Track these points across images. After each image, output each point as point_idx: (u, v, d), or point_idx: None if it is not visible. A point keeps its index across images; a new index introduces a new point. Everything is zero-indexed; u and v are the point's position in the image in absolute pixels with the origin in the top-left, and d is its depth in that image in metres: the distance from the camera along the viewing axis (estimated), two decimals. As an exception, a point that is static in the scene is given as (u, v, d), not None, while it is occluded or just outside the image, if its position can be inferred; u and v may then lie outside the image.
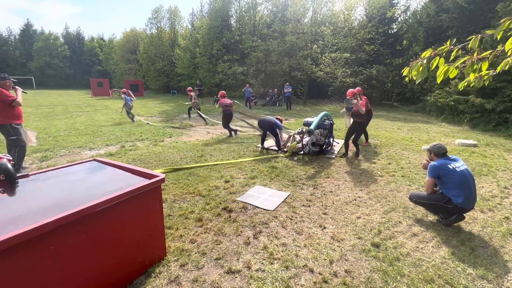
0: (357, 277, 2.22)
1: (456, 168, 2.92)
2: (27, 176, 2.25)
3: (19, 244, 1.37)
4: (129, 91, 22.09)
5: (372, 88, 18.53)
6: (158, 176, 2.24)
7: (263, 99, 20.01)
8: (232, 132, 8.17)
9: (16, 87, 4.54)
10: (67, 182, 2.24)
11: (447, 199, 2.96)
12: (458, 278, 2.24)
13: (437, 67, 1.67)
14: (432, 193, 3.11)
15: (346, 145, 5.96)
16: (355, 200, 3.72)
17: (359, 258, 2.47)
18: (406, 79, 1.89)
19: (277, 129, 6.21)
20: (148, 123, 10.33)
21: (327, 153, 6.07)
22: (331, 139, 6.36)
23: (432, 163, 3.06)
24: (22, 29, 47.89)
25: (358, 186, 4.24)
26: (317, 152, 5.94)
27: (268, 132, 6.49)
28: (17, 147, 4.34)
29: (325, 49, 20.54)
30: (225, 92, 8.61)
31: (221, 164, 5.18)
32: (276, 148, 6.30)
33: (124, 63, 39.33)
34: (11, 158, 2.37)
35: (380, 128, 9.98)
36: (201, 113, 11.08)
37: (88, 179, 2.33)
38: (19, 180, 2.17)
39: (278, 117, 6.70)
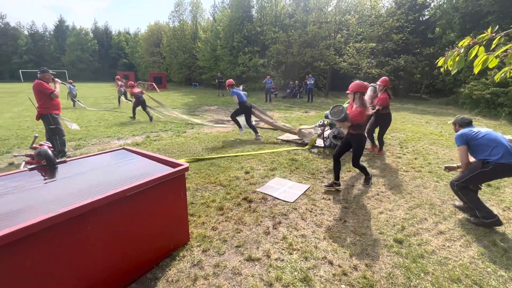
0: (378, 271, 2.19)
1: (481, 130, 2.94)
2: (64, 162, 2.44)
3: (62, 222, 1.51)
4: (153, 83, 22.85)
5: (399, 79, 17.67)
6: (182, 165, 2.33)
7: (284, 91, 19.79)
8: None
9: (56, 79, 4.86)
10: (99, 168, 2.39)
11: (484, 162, 2.80)
12: (488, 279, 2.14)
13: (475, 56, 1.55)
14: (468, 166, 2.99)
15: (371, 138, 5.72)
16: (377, 195, 3.63)
17: (380, 253, 2.43)
18: (441, 69, 1.78)
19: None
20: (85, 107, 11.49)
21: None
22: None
23: (457, 133, 3.08)
24: (56, 25, 50.74)
25: (381, 181, 4.12)
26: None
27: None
28: (56, 135, 4.68)
29: (349, 39, 19.76)
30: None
31: (242, 155, 5.25)
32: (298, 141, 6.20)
33: (149, 56, 40.50)
34: (51, 145, 2.58)
35: (407, 122, 9.53)
36: (127, 100, 11.65)
37: (118, 166, 2.47)
38: (58, 166, 2.36)
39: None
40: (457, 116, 3.27)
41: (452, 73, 1.69)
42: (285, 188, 3.78)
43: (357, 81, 3.56)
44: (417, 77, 17.90)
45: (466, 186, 3.03)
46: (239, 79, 24.59)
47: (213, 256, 2.37)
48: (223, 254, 2.40)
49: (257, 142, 6.30)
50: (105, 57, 50.63)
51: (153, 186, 2.00)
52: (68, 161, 2.48)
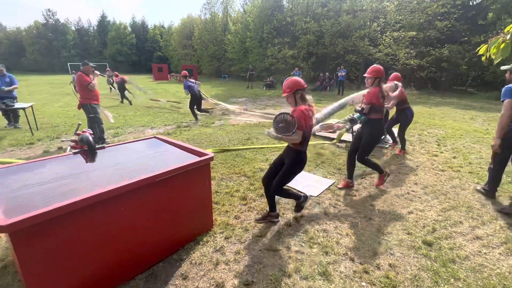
0: (403, 273, 2.11)
1: None
2: (103, 148, 2.66)
3: (101, 201, 1.67)
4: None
5: (441, 71, 16.26)
6: (208, 154, 2.42)
7: (313, 83, 19.28)
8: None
9: (95, 71, 5.26)
10: (132, 155, 2.58)
11: None
12: (530, 291, 1.95)
13: None
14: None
15: (392, 137, 5.28)
16: (407, 194, 3.44)
17: (406, 254, 2.33)
18: (483, 58, 1.60)
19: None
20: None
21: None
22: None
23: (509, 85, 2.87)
24: (98, 20, 54.24)
25: (413, 179, 3.89)
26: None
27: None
28: (95, 123, 5.11)
29: (386, 27, 18.48)
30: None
31: (267, 147, 5.27)
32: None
33: (181, 48, 41.72)
34: (92, 132, 2.83)
35: (447, 117, 8.79)
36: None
37: (149, 154, 2.64)
38: (98, 151, 2.58)
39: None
40: None
41: (495, 62, 1.52)
42: (309, 182, 3.75)
43: (376, 65, 3.25)
44: (463, 68, 16.24)
45: None
46: (268, 71, 24.42)
47: (235, 243, 2.46)
48: (244, 242, 2.48)
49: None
50: (141, 50, 53.19)
51: (179, 173, 2.11)
52: (107, 147, 2.70)
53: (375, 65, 3.30)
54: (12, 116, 6.81)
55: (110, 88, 15.78)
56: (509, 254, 2.34)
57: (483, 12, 16.13)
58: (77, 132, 2.77)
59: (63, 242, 1.59)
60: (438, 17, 16.01)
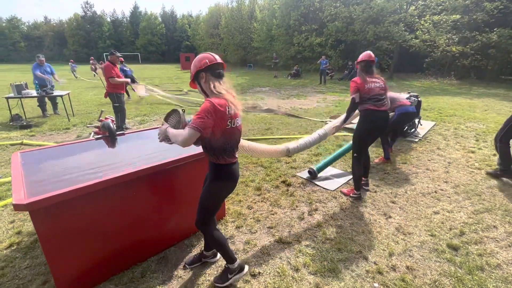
0: (421, 276, 1.96)
1: None
2: (123, 134, 2.77)
3: (116, 184, 1.74)
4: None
5: (488, 59, 14.62)
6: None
7: (342, 72, 18.44)
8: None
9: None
10: (151, 142, 2.65)
11: None
12: None
13: None
14: None
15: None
16: (435, 192, 3.18)
17: (427, 257, 2.16)
18: None
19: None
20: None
21: (408, 135, 5.27)
22: (417, 120, 5.44)
23: None
24: (131, 11, 56.32)
25: (444, 177, 3.58)
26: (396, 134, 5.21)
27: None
28: (119, 112, 5.35)
29: (425, 11, 16.91)
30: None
31: (287, 138, 5.17)
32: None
33: (208, 37, 42.05)
34: (114, 119, 2.94)
35: (491, 110, 7.94)
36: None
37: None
38: (118, 137, 2.69)
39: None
40: None
41: None
42: (327, 175, 3.62)
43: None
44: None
45: None
46: (294, 60, 23.78)
47: (245, 233, 2.46)
48: (255, 232, 2.47)
49: (304, 127, 6.10)
50: (170, 40, 54.53)
51: (192, 161, 2.13)
52: (126, 133, 2.81)
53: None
54: (52, 103, 7.38)
55: (94, 74, 19.53)
56: (551, 266, 2.08)
57: (545, -10, 14.08)
58: (100, 118, 2.90)
59: (80, 222, 1.68)
60: (488, -2, 14.28)
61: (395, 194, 3.14)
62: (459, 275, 1.97)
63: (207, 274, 1.98)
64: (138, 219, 1.99)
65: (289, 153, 2.54)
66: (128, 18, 56.69)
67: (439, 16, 15.95)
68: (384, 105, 2.87)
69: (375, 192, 3.21)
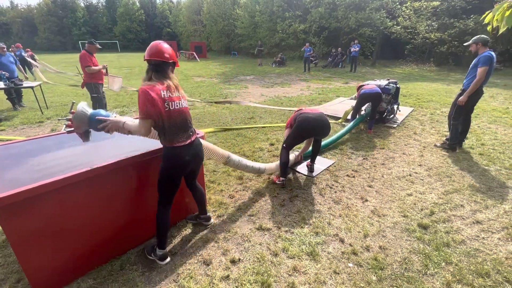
0: (392, 255, 2.08)
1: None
2: (97, 126, 2.67)
3: (86, 179, 1.69)
4: (194, 52, 22.97)
5: (465, 45, 15.04)
6: (198, 133, 2.38)
7: (326, 59, 18.47)
8: None
9: (110, 74, 5.29)
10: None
11: None
12: (525, 278, 1.88)
13: None
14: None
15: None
16: (410, 175, 3.33)
17: (399, 236, 2.28)
18: (488, 28, 1.41)
19: None
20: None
21: (387, 121, 5.43)
22: (395, 106, 5.60)
23: (489, 52, 3.59)
24: (107, -4, 53.15)
25: (418, 161, 3.74)
26: (376, 119, 5.35)
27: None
28: (97, 103, 5.14)
29: (407, -3, 17.06)
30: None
31: (269, 126, 5.19)
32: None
33: (190, 24, 40.62)
34: (86, 111, 2.82)
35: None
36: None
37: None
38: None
39: None
40: (478, 36, 3.74)
41: (501, 31, 1.32)
42: (308, 162, 3.68)
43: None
44: (490, 42, 14.96)
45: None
46: (278, 47, 23.55)
47: (226, 222, 2.48)
48: (235, 221, 2.50)
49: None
50: (151, 27, 52.25)
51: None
52: (100, 126, 2.71)
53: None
54: (16, 95, 6.86)
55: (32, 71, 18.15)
56: (509, 239, 2.25)
57: (518, -23, 14.48)
58: (72, 110, 2.78)
59: (51, 218, 1.64)
60: (466, -16, 14.58)
61: (372, 179, 3.26)
62: (427, 251, 2.10)
63: (188, 264, 2.01)
64: (114, 212, 1.96)
65: (227, 161, 2.57)
66: (104, 4, 53.60)
67: (419, 3, 16.17)
68: (313, 109, 3.16)
69: (354, 177, 3.31)
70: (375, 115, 5.00)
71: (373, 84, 4.94)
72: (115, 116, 1.86)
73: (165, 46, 1.75)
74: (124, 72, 15.30)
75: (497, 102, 7.23)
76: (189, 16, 40.51)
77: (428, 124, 5.36)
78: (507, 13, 1.22)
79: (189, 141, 1.85)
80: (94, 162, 1.85)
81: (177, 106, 1.76)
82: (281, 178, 3.09)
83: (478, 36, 3.75)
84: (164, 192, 1.92)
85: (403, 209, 2.65)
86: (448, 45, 15.43)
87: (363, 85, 4.99)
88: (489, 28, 1.44)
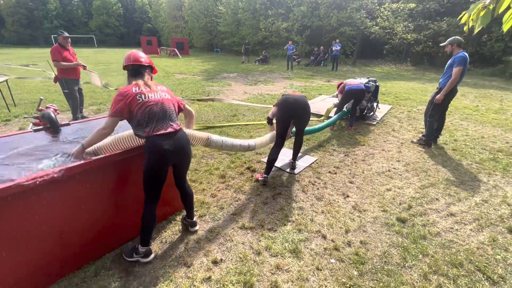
0: (372, 249, 2.12)
1: None
2: (68, 124, 2.51)
3: (53, 181, 1.57)
4: (175, 49, 22.42)
5: (438, 46, 15.74)
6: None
7: (308, 58, 18.68)
8: None
9: (85, 66, 4.95)
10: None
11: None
12: (495, 267, 1.98)
13: (506, 9, 1.19)
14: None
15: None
16: (388, 171, 3.42)
17: (379, 231, 2.33)
18: (465, 28, 1.45)
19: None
20: None
21: (367, 118, 5.56)
22: (375, 104, 5.75)
23: (463, 53, 3.75)
24: (81, -13, 50.50)
25: (396, 156, 3.86)
26: (357, 117, 5.47)
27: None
28: (70, 100, 4.86)
29: (385, -2, 17.62)
30: None
31: (252, 124, 5.15)
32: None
33: (171, 20, 39.60)
34: (57, 108, 2.65)
35: (439, 94, 8.66)
36: None
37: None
38: (62, 128, 2.43)
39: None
40: (453, 37, 3.90)
41: (476, 30, 1.35)
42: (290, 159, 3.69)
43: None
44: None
45: None
46: (261, 45, 23.52)
47: (208, 222, 2.42)
48: (218, 220, 2.45)
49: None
50: (130, 22, 50.38)
51: (140, 153, 2.00)
52: (72, 123, 2.55)
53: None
54: None
55: None
56: (480, 230, 2.37)
57: (486, -18, 15.35)
58: (39, 108, 2.59)
59: (13, 223, 1.51)
60: (439, -13, 15.27)
61: (353, 175, 3.32)
62: (405, 245, 2.17)
63: (167, 266, 1.93)
64: (87, 216, 1.84)
65: (208, 143, 2.50)
66: (78, -4, 50.91)
67: (397, 4, 16.73)
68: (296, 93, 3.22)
69: (335, 173, 3.36)
70: (356, 112, 5.10)
71: (357, 81, 5.03)
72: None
73: (140, 53, 1.93)
74: (101, 68, 14.64)
75: (468, 100, 7.64)
76: (170, 11, 39.50)
77: (406, 121, 5.56)
78: (482, 13, 1.25)
79: (169, 130, 1.81)
80: (64, 163, 1.73)
81: (152, 97, 1.80)
82: (264, 175, 3.07)
83: (454, 37, 3.89)
84: (149, 187, 1.86)
85: (382, 204, 2.72)
86: (423, 45, 16.11)
87: (345, 83, 5.05)
88: (465, 28, 1.48)
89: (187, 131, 2.38)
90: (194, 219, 2.30)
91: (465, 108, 6.69)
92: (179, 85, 9.62)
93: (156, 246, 2.12)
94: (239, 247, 2.12)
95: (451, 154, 3.98)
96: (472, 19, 1.31)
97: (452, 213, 2.59)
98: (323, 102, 6.97)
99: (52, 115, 2.37)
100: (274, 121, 3.24)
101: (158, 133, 1.77)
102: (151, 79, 1.97)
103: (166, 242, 2.15)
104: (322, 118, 5.66)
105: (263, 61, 18.14)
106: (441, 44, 4.17)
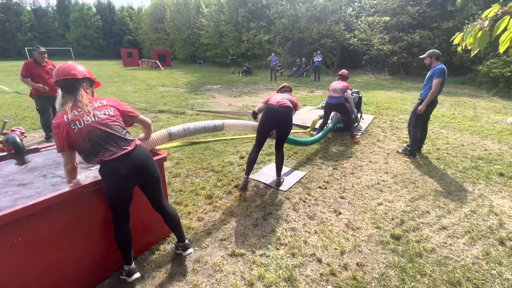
0: (370, 272, 2.03)
1: None
2: (37, 150, 2.28)
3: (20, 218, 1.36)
4: (157, 61, 22.22)
5: (412, 56, 16.60)
6: (160, 154, 2.15)
7: (291, 69, 19.03)
8: None
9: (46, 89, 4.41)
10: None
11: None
12: (492, 283, 1.94)
13: (502, 31, 1.18)
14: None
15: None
16: (378, 184, 3.40)
17: (374, 250, 2.25)
18: (458, 48, 1.44)
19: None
20: None
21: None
22: (359, 115, 5.83)
23: (442, 65, 3.91)
24: (58, 0, 49.28)
25: (384, 168, 3.87)
26: (342, 128, 5.51)
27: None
28: (42, 117, 4.54)
29: (361, 12, 18.47)
30: None
31: (239, 138, 5.04)
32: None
33: (153, 32, 39.30)
34: (23, 131, 2.41)
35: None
36: None
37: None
38: (29, 154, 2.20)
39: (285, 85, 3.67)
40: (432, 50, 4.08)
41: (473, 53, 1.32)
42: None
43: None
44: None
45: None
46: (244, 57, 23.77)
47: (196, 250, 2.24)
48: (205, 247, 2.27)
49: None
50: (109, 34, 49.50)
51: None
52: (41, 148, 2.32)
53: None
54: None
55: None
56: (472, 243, 2.35)
57: (452, -3, 16.53)
58: (3, 131, 2.35)
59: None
60: (411, 2, 16.20)
61: (343, 189, 3.26)
62: (402, 264, 2.09)
63: (150, 307, 1.73)
64: (62, 251, 1.63)
65: (170, 138, 2.46)
66: (54, 8, 49.57)
67: (373, 17, 17.55)
68: (274, 101, 3.13)
69: (326, 188, 3.29)
70: (352, 123, 5.07)
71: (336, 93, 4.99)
72: None
73: (73, 65, 1.71)
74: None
75: (445, 108, 7.97)
76: (151, 23, 39.26)
77: (389, 131, 5.66)
78: (479, 34, 1.22)
79: (122, 152, 1.65)
80: (25, 197, 1.52)
81: (88, 120, 1.61)
82: (245, 176, 3.19)
83: (432, 50, 4.06)
84: (113, 209, 1.76)
85: (375, 220, 2.66)
86: (398, 56, 16.89)
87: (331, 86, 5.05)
88: (459, 49, 1.47)
89: (146, 141, 2.25)
90: (186, 241, 2.11)
91: (443, 116, 6.96)
92: (162, 98, 9.39)
93: (137, 282, 1.91)
94: (230, 278, 1.96)
95: (435, 163, 4.05)
96: (469, 42, 1.28)
97: (444, 226, 2.57)
98: (308, 114, 6.99)
99: (18, 139, 2.15)
100: (260, 116, 3.30)
101: (110, 158, 1.61)
102: (93, 94, 1.78)
103: (148, 278, 1.95)
104: (308, 130, 5.65)
105: (246, 72, 18.25)
106: (420, 57, 4.33)
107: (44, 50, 4.43)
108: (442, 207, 2.89)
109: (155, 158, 2.04)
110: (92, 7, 49.45)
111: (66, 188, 1.59)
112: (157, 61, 24.10)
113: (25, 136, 2.43)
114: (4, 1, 42.73)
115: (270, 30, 21.92)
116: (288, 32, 20.55)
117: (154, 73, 19.46)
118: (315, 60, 15.27)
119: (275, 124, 3.12)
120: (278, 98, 3.16)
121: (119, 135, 1.69)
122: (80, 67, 1.71)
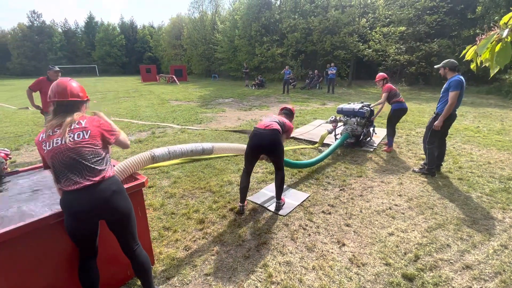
0: (375, 324, 1.70)
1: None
2: (17, 173, 2.20)
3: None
4: (173, 76, 22.98)
5: (431, 66, 15.91)
6: (139, 179, 1.98)
7: (304, 81, 18.87)
8: None
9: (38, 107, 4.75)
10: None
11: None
12: None
13: None
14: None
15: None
16: (390, 209, 3.04)
17: (382, 294, 1.92)
18: (472, 66, 1.16)
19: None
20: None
21: (364, 145, 5.26)
22: (371, 129, 5.48)
23: (459, 77, 3.55)
24: (86, 21, 53.05)
25: (398, 190, 3.49)
26: (352, 144, 5.17)
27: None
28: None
29: (375, 23, 18.17)
30: None
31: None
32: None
33: (171, 48, 41.01)
34: (8, 153, 2.35)
35: (438, 115, 8.43)
36: None
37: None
38: (7, 177, 2.12)
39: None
40: (447, 60, 3.73)
41: (492, 72, 1.03)
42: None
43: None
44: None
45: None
46: (257, 70, 23.97)
47: (176, 286, 2.02)
48: (187, 284, 2.04)
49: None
50: (131, 51, 52.21)
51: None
52: (21, 171, 2.23)
53: None
54: None
55: None
56: (505, 289, 1.95)
57: (472, 5, 15.87)
58: (-12, 153, 2.30)
59: None
60: (427, 12, 15.74)
61: (349, 215, 2.93)
62: (416, 315, 1.74)
63: None
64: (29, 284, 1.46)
65: (155, 161, 2.30)
66: (82, 29, 53.31)
67: (388, 28, 17.18)
68: (263, 124, 2.87)
69: (330, 213, 2.97)
70: (393, 131, 4.95)
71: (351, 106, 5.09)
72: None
73: (70, 83, 1.63)
74: (96, 97, 14.72)
75: (468, 121, 7.38)
76: (170, 40, 41.04)
77: (405, 146, 5.24)
78: (497, 47, 0.94)
79: (84, 184, 1.45)
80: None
81: (55, 143, 1.47)
82: (240, 204, 2.96)
83: (447, 60, 3.71)
84: (76, 245, 1.60)
85: (385, 254, 2.31)
86: (416, 66, 16.28)
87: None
88: (472, 66, 1.18)
89: (127, 162, 2.08)
90: None
91: (465, 129, 6.41)
92: (172, 112, 9.48)
93: (106, 326, 1.70)
94: (209, 324, 1.71)
95: (457, 184, 3.61)
96: (485, 58, 1.00)
97: (468, 265, 2.18)
98: (317, 128, 6.69)
99: (-3, 162, 2.07)
100: None
101: (69, 189, 1.45)
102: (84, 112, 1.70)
103: (117, 321, 1.74)
104: (316, 145, 5.36)
105: (259, 85, 18.28)
106: (435, 66, 3.97)
107: (59, 69, 4.57)
108: (466, 240, 2.49)
109: (131, 184, 1.88)
110: (117, 27, 52.67)
111: (27, 221, 1.45)
112: (173, 76, 24.87)
113: (10, 158, 2.37)
114: (39, 24, 46.57)
115: (282, 44, 22.07)
116: (300, 45, 20.56)
117: (169, 87, 20.00)
118: (329, 72, 15.01)
119: (260, 149, 2.85)
120: (267, 121, 2.93)
121: (87, 163, 1.49)
122: (77, 89, 1.67)
